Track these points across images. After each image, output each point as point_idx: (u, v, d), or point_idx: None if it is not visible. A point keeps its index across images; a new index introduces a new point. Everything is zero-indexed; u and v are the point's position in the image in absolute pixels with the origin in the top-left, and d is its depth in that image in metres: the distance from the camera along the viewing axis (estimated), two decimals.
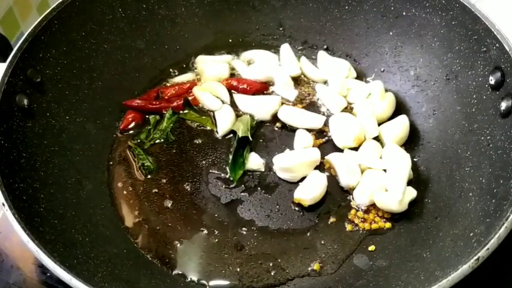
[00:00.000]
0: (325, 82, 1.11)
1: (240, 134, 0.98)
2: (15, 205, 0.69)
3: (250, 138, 0.98)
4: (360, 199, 0.91)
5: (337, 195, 0.94)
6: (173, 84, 1.11)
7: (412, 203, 0.90)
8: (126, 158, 0.99)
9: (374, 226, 0.89)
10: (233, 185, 0.95)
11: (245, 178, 0.96)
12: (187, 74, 1.13)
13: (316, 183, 0.92)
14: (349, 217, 0.91)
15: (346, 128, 0.99)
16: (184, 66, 1.14)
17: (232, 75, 1.13)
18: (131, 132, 1.03)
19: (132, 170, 0.97)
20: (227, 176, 0.96)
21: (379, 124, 1.02)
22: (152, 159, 0.99)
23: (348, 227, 0.90)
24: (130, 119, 1.03)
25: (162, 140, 1.01)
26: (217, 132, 1.02)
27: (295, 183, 0.95)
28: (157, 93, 1.09)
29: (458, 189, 0.85)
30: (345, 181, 0.94)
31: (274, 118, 1.05)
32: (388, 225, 0.89)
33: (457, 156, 0.89)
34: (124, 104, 1.03)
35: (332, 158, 0.96)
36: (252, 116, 1.05)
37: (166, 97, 1.08)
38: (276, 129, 1.04)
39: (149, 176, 0.96)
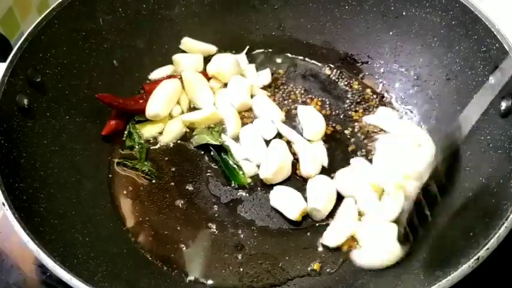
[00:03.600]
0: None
1: (213, 142, 0.97)
2: (15, 205, 0.69)
3: (224, 143, 0.98)
4: (330, 241, 0.86)
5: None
6: (154, 81, 1.08)
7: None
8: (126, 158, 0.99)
9: None
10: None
11: None
12: (166, 66, 1.11)
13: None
14: None
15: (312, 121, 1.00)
16: None
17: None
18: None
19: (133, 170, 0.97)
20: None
21: None
22: (150, 163, 0.97)
23: None
24: (113, 125, 1.00)
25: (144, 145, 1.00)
26: (160, 141, 1.01)
27: (295, 183, 0.95)
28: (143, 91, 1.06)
29: (458, 189, 0.85)
30: (305, 170, 0.94)
31: None
32: None
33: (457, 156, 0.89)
34: (96, 97, 0.96)
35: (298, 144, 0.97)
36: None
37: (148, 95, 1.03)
38: None
39: (153, 181, 0.96)
